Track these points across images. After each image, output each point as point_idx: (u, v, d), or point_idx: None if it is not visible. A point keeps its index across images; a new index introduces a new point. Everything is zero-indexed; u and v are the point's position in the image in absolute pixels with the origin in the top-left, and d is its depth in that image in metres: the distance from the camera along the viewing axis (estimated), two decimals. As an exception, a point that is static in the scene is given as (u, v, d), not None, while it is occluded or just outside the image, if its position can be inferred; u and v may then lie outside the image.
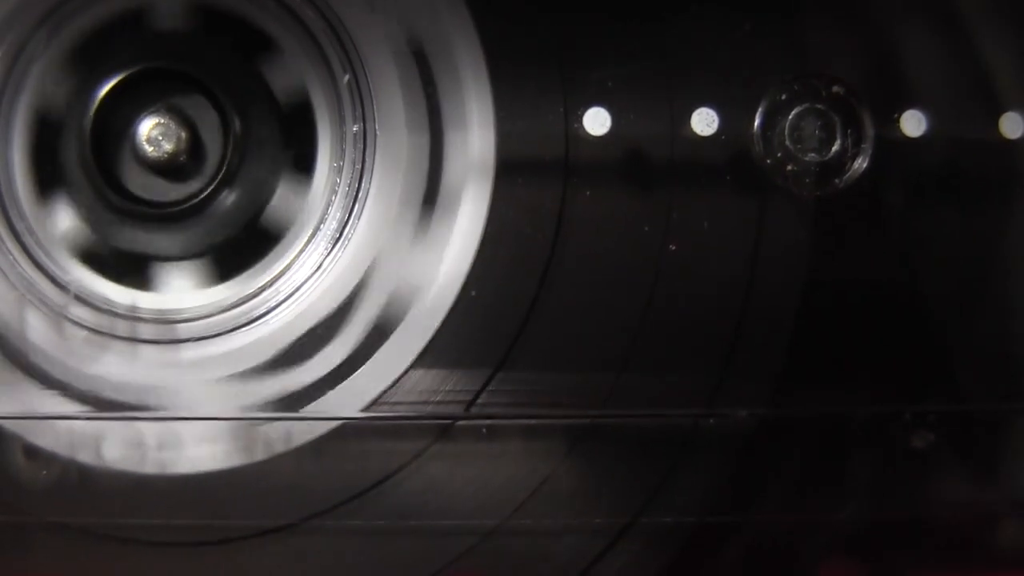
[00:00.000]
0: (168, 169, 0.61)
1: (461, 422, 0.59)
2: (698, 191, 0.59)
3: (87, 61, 0.61)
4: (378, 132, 0.60)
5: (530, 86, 0.59)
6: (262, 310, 0.60)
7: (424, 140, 0.59)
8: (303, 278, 0.60)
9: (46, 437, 0.58)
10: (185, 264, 0.61)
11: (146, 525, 0.58)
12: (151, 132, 0.60)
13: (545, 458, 0.59)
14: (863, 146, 0.59)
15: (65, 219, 0.61)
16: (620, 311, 0.59)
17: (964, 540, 0.60)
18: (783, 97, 0.59)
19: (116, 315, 0.60)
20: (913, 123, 0.60)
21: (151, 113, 0.60)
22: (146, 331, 0.60)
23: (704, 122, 0.59)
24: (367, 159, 0.60)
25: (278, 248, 0.61)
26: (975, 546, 0.60)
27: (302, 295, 0.60)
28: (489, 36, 0.59)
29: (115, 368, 0.59)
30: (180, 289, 0.61)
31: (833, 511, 0.60)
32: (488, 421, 0.59)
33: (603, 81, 0.59)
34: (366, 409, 0.59)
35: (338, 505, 0.58)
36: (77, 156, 0.61)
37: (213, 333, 0.60)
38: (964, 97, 0.60)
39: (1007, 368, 0.61)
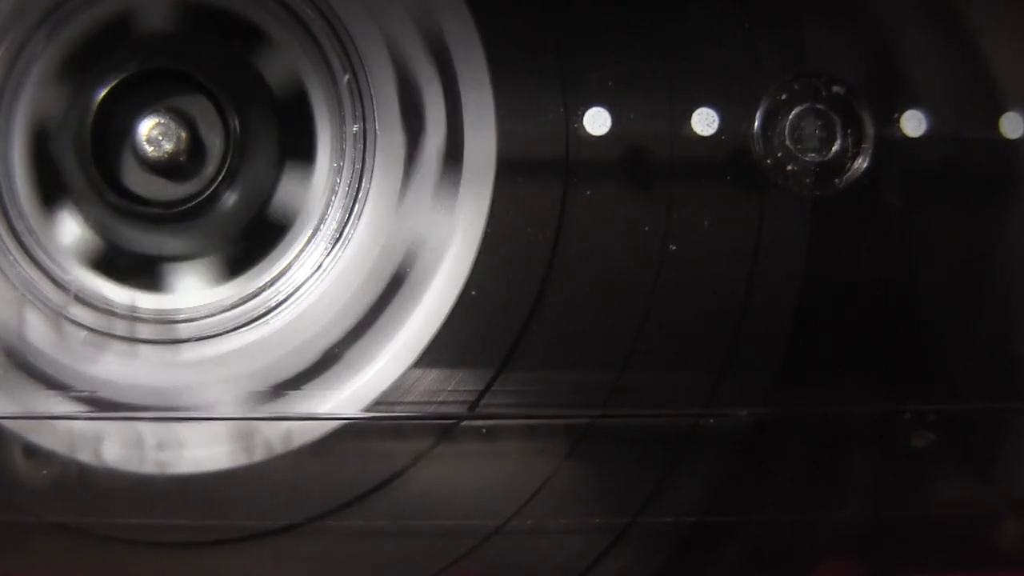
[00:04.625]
0: (168, 169, 0.61)
1: (463, 423, 0.59)
2: (698, 191, 0.59)
3: (87, 62, 0.61)
4: (378, 132, 0.60)
5: (530, 86, 0.59)
6: (262, 310, 0.60)
7: (424, 140, 0.59)
8: (303, 278, 0.60)
9: (46, 437, 0.58)
10: (185, 264, 0.61)
11: (146, 525, 0.58)
12: (151, 132, 0.60)
13: (546, 458, 0.59)
14: (863, 146, 0.59)
15: (65, 219, 0.61)
16: (620, 311, 0.59)
17: (964, 540, 0.61)
18: (783, 97, 0.59)
19: (116, 315, 0.60)
20: (913, 123, 0.60)
21: (151, 113, 0.60)
22: (146, 331, 0.60)
23: (704, 122, 0.59)
24: (367, 159, 0.60)
25: (278, 248, 0.61)
26: (975, 546, 0.61)
27: (302, 295, 0.60)
28: (489, 36, 0.59)
29: (115, 368, 0.59)
30: (181, 289, 0.61)
31: (833, 511, 0.60)
32: (491, 421, 0.59)
33: (603, 81, 0.59)
34: (367, 409, 0.59)
35: (339, 506, 0.58)
36: (77, 156, 0.60)
37: (213, 333, 0.60)
38: (964, 97, 0.60)
39: (1007, 368, 0.61)
